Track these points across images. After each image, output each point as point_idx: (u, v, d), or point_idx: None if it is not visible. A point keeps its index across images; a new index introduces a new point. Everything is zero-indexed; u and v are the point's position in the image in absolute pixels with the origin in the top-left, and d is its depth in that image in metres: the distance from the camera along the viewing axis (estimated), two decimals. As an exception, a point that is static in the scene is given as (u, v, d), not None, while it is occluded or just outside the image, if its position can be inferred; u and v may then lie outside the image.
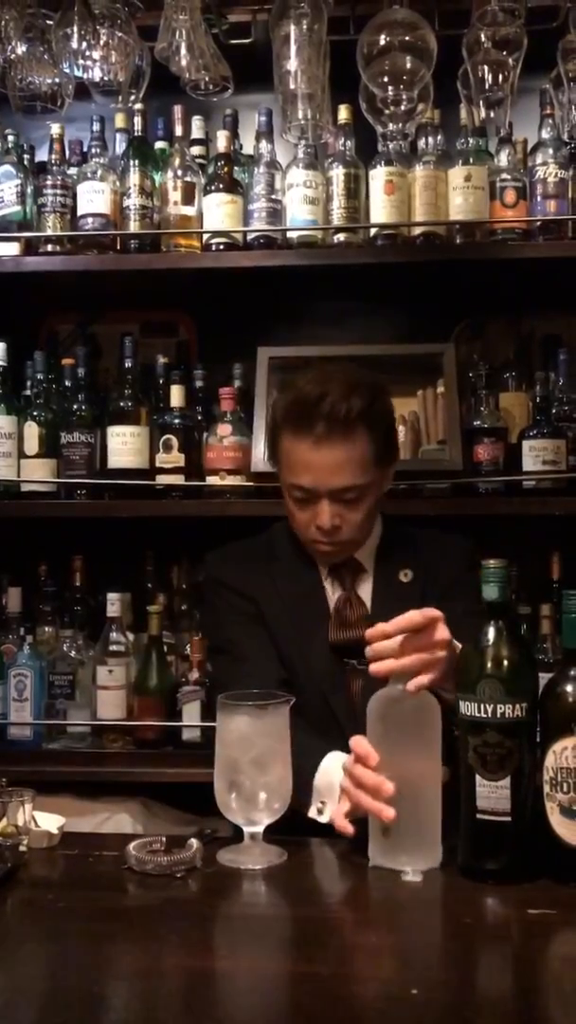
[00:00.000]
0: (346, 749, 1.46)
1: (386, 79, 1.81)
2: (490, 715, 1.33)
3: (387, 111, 1.83)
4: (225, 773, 1.42)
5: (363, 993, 1.08)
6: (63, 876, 1.41)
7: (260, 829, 1.43)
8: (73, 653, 2.42)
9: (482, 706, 1.33)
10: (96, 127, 2.47)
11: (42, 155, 2.57)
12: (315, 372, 1.75)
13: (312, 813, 1.51)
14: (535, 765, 1.35)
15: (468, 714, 1.35)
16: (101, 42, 1.91)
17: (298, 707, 1.49)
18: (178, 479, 2.40)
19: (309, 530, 1.74)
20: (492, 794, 1.33)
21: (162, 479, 2.40)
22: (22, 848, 1.40)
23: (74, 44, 1.87)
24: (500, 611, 1.38)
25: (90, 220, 2.40)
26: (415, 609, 1.43)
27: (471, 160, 2.33)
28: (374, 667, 1.41)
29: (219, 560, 1.88)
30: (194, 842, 1.39)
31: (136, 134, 2.45)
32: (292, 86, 1.87)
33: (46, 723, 2.40)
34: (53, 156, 2.47)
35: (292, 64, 1.86)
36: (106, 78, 1.97)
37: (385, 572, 1.80)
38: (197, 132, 2.55)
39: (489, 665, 1.35)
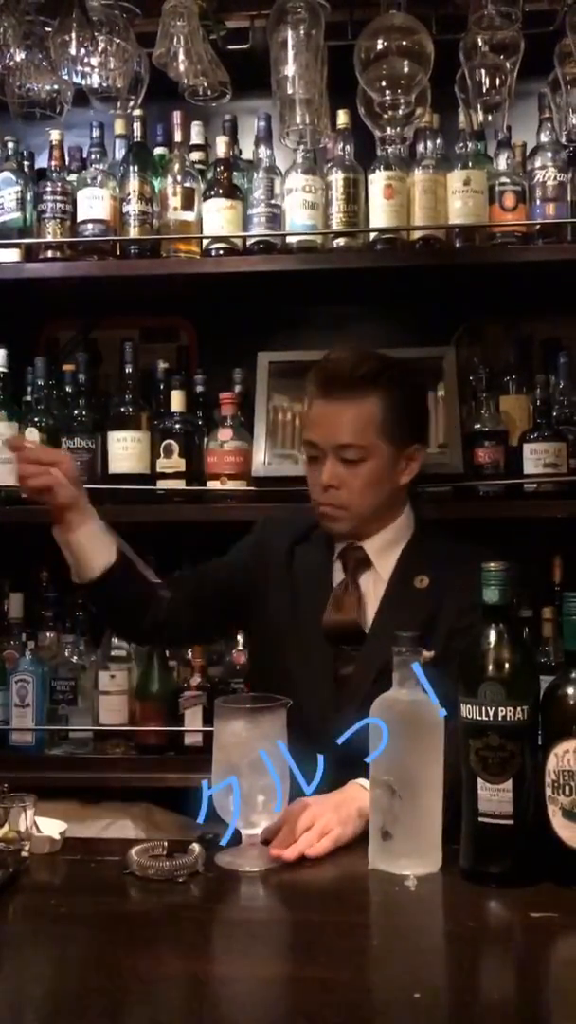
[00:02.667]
0: (329, 731, 1.60)
1: (384, 84, 1.81)
2: (492, 718, 1.33)
3: (385, 115, 1.83)
4: (221, 776, 1.43)
5: (365, 997, 1.07)
6: (65, 881, 1.41)
7: (258, 831, 1.43)
8: (75, 659, 2.42)
9: (484, 709, 1.33)
10: (95, 133, 2.48)
11: (42, 162, 2.58)
12: (340, 346, 1.89)
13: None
14: (537, 768, 1.34)
15: (470, 717, 1.35)
16: (99, 48, 1.91)
17: (287, 684, 1.61)
18: (179, 484, 2.40)
19: (315, 491, 1.82)
20: (494, 797, 1.33)
21: (163, 484, 2.40)
22: (24, 854, 1.40)
23: (72, 51, 1.87)
24: (501, 614, 1.38)
25: (90, 226, 2.41)
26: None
27: (470, 164, 2.34)
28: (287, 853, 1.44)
29: (267, 523, 2.01)
30: (196, 846, 1.39)
31: (135, 140, 2.45)
32: (290, 91, 1.87)
33: (48, 728, 2.40)
34: (53, 162, 2.47)
35: (290, 69, 1.86)
36: (104, 84, 1.97)
37: (402, 572, 1.82)
38: (196, 138, 2.55)
39: (490, 668, 1.35)
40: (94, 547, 1.79)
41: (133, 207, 2.40)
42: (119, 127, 2.54)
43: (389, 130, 1.86)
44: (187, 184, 2.40)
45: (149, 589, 1.89)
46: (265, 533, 1.97)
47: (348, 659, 1.78)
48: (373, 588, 1.82)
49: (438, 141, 2.40)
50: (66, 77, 1.96)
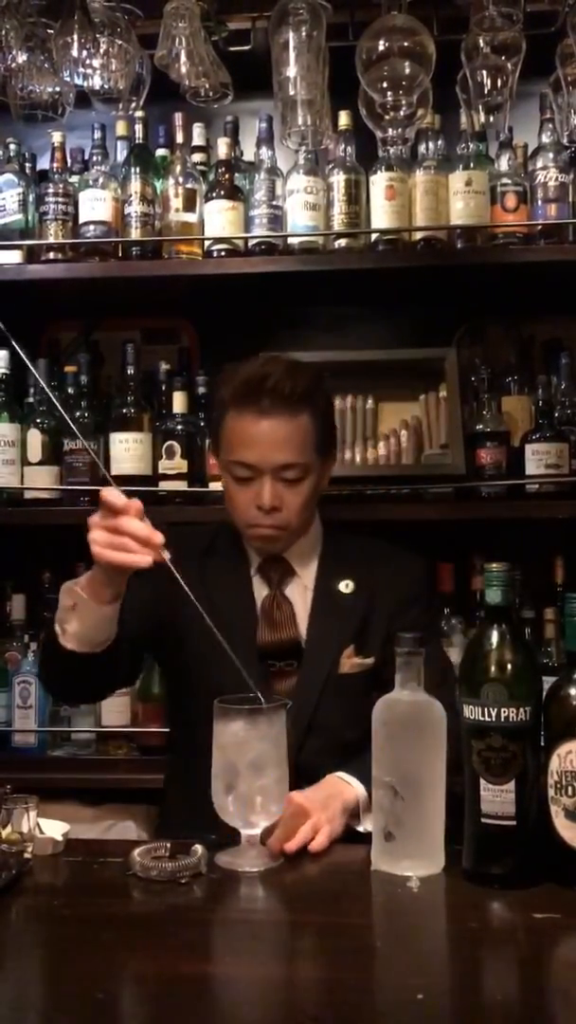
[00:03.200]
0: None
1: (385, 85, 1.80)
2: (494, 719, 1.33)
3: (386, 116, 1.83)
4: (222, 777, 1.43)
5: (368, 999, 1.07)
6: (68, 883, 1.41)
7: (258, 832, 1.43)
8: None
9: (486, 710, 1.33)
10: (97, 135, 2.48)
11: (44, 163, 2.58)
12: (257, 360, 1.81)
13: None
14: (539, 769, 1.34)
15: (472, 718, 1.35)
16: (101, 50, 1.91)
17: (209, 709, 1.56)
18: (181, 485, 2.40)
19: (249, 512, 1.74)
20: (496, 798, 1.33)
21: (165, 485, 2.40)
22: (27, 855, 1.40)
23: (74, 52, 1.87)
24: (503, 615, 1.38)
25: (92, 228, 2.41)
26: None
27: (472, 165, 2.34)
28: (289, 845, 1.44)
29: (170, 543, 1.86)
30: (198, 847, 1.39)
31: (137, 141, 2.46)
32: (291, 92, 1.87)
33: (50, 730, 2.40)
34: (55, 164, 2.47)
35: (291, 70, 1.86)
36: (106, 86, 1.97)
37: (325, 580, 1.80)
38: (198, 139, 2.55)
39: (493, 669, 1.35)
40: (112, 619, 1.58)
41: (135, 208, 2.41)
42: (121, 128, 2.54)
43: (390, 131, 1.86)
44: (189, 185, 2.40)
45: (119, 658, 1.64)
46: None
47: (284, 674, 1.74)
48: (301, 598, 1.79)
49: (440, 142, 2.40)
50: (68, 79, 1.96)
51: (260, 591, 1.79)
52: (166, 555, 1.46)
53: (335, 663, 1.74)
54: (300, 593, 1.80)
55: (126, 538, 1.45)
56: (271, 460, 1.71)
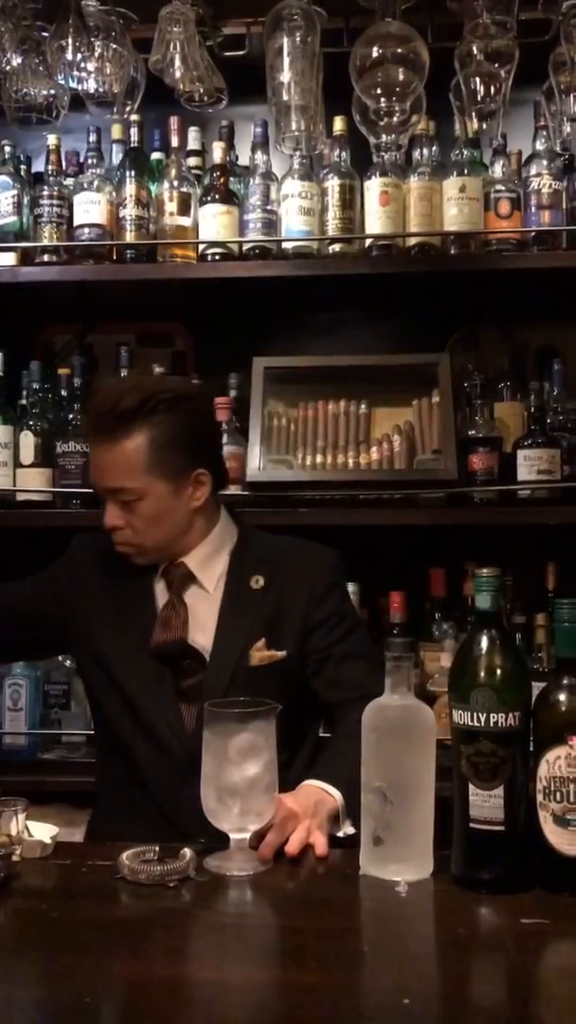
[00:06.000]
0: (156, 745, 1.69)
1: (379, 91, 1.81)
2: (483, 724, 1.33)
3: (380, 123, 1.84)
4: (212, 780, 1.43)
5: (355, 1003, 1.07)
6: (56, 886, 1.40)
7: (247, 836, 1.43)
8: (68, 663, 2.42)
9: (475, 715, 1.33)
10: (92, 138, 2.48)
11: (39, 166, 2.58)
12: (112, 379, 1.84)
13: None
14: (528, 774, 1.34)
15: (461, 723, 1.35)
16: (96, 54, 1.92)
17: (128, 709, 1.72)
18: (173, 488, 2.39)
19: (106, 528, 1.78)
20: (485, 803, 1.33)
21: (157, 489, 2.40)
22: (15, 858, 1.40)
23: (69, 56, 1.88)
24: (493, 620, 1.38)
25: (86, 231, 2.41)
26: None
27: (466, 171, 2.34)
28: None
29: (80, 547, 1.92)
30: (187, 851, 1.39)
31: (132, 145, 2.46)
32: (286, 98, 1.88)
33: (41, 733, 2.40)
34: (50, 167, 2.48)
35: (285, 76, 1.87)
36: (101, 89, 1.98)
37: (236, 577, 1.81)
38: (193, 143, 2.56)
39: (482, 674, 1.35)
40: None
41: (129, 212, 2.41)
42: (116, 132, 2.54)
43: (384, 137, 1.87)
44: (183, 189, 2.41)
45: None
46: (77, 558, 1.90)
47: (192, 671, 1.75)
48: (200, 602, 1.80)
49: (434, 148, 2.41)
50: (63, 82, 1.97)
51: (162, 596, 1.81)
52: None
53: (243, 656, 1.75)
54: (200, 597, 1.80)
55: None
56: (101, 483, 1.75)
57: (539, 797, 1.33)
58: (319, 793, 1.55)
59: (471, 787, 1.34)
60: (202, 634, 1.77)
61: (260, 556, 1.83)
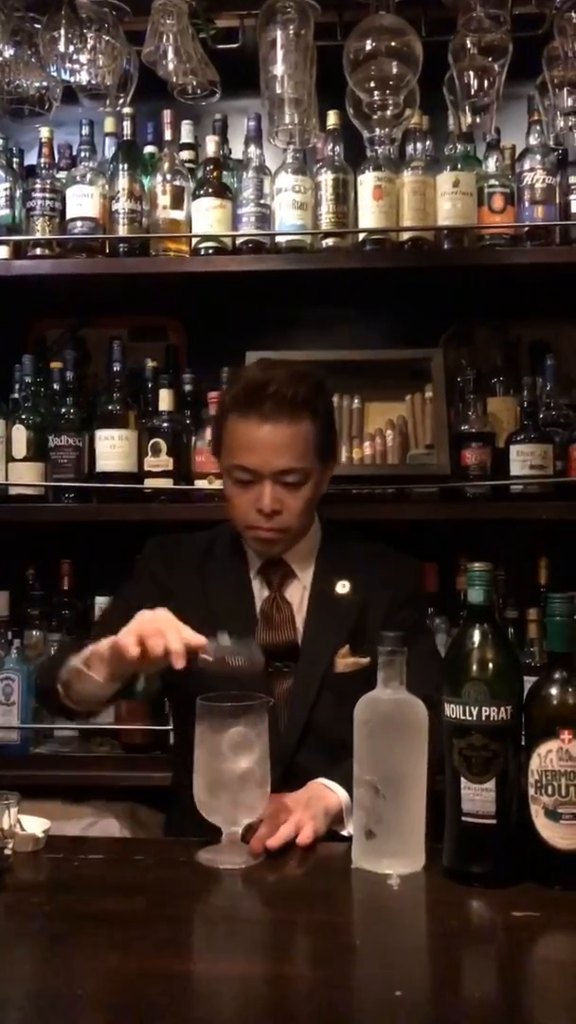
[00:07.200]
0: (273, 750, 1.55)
1: (372, 84, 1.81)
2: (475, 718, 1.33)
3: (374, 116, 1.84)
4: (204, 774, 1.43)
5: (347, 995, 1.07)
6: (48, 880, 1.41)
7: (239, 829, 1.44)
8: (60, 657, 2.41)
9: (467, 709, 1.34)
10: (85, 131, 2.47)
11: (31, 159, 2.57)
12: (261, 364, 1.84)
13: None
14: (520, 768, 1.35)
15: (453, 717, 1.35)
16: (88, 46, 1.91)
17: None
18: (166, 483, 2.39)
19: (249, 515, 1.76)
20: (477, 797, 1.34)
21: (150, 483, 2.40)
22: (7, 852, 1.40)
23: (61, 47, 1.87)
24: (485, 614, 1.38)
25: (79, 224, 2.40)
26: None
27: (459, 166, 2.34)
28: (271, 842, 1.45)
29: (156, 547, 1.91)
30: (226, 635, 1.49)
31: (125, 138, 2.45)
32: (279, 91, 1.87)
33: (33, 727, 2.39)
34: (42, 160, 2.46)
35: (279, 69, 1.87)
36: (93, 81, 1.97)
37: (322, 580, 1.82)
38: (186, 136, 2.55)
39: (474, 668, 1.35)
40: (111, 688, 1.63)
41: (122, 205, 2.40)
42: (109, 125, 2.53)
43: (378, 131, 1.87)
44: (177, 183, 2.40)
45: None
46: (158, 562, 1.88)
47: (282, 675, 1.76)
48: (300, 600, 1.81)
49: (427, 143, 2.40)
50: (55, 74, 1.96)
51: (260, 593, 1.81)
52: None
53: (331, 663, 1.76)
54: (299, 595, 1.82)
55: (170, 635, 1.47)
56: (272, 465, 1.73)
57: (531, 791, 1.34)
58: (320, 790, 1.55)
59: (463, 781, 1.34)
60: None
61: (346, 560, 1.84)
